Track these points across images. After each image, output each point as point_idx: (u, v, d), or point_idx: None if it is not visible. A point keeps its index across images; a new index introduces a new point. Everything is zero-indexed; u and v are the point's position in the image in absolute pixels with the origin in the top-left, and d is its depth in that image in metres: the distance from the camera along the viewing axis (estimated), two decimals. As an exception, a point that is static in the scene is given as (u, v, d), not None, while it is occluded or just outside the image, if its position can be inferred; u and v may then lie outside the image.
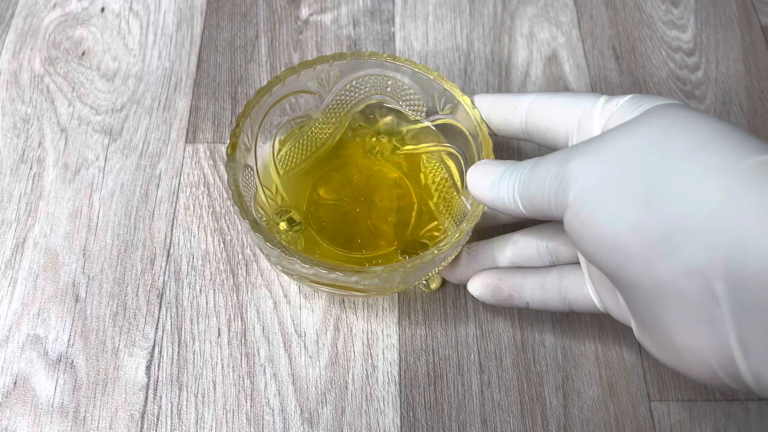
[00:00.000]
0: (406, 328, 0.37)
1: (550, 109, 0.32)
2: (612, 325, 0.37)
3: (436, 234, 0.36)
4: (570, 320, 0.37)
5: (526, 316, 0.38)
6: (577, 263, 0.33)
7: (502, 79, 0.45)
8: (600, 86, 0.45)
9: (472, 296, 0.35)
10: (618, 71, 0.46)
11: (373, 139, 0.38)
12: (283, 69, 0.45)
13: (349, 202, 0.37)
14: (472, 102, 0.34)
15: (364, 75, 0.37)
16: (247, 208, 0.31)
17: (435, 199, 0.37)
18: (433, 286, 0.37)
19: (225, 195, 0.41)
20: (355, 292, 0.32)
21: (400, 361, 0.36)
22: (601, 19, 0.48)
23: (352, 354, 0.36)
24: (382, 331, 0.37)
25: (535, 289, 0.33)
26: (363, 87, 0.37)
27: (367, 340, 0.37)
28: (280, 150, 0.37)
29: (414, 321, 0.37)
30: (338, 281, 0.31)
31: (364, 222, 0.37)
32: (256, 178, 0.35)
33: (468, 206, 0.35)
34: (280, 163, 0.37)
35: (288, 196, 0.37)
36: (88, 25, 0.47)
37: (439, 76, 0.35)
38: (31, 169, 0.41)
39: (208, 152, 0.42)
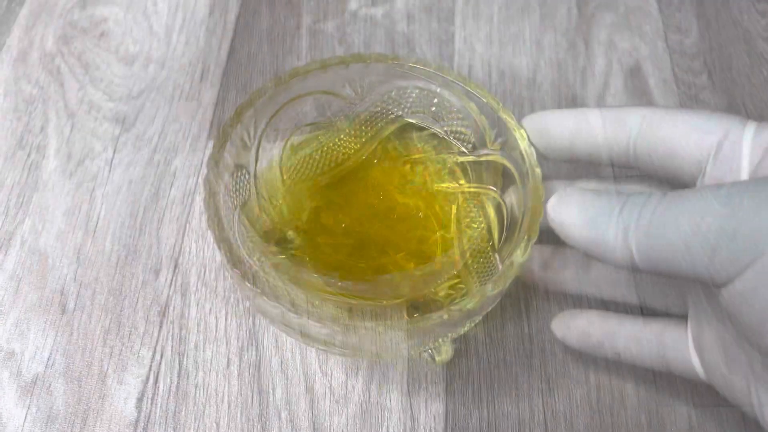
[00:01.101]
0: (456, 376, 0.30)
1: (674, 128, 0.24)
2: (708, 388, 0.30)
3: (453, 293, 0.29)
4: (657, 377, 0.30)
5: (604, 369, 0.31)
6: (683, 318, 0.27)
7: (576, 90, 0.39)
8: (691, 104, 0.39)
9: (537, 340, 0.28)
10: (711, 89, 0.40)
11: (407, 166, 0.32)
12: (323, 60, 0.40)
13: (360, 235, 0.30)
14: (529, 139, 0.27)
15: (406, 87, 0.30)
16: (222, 227, 0.25)
17: (464, 252, 0.30)
18: (439, 358, 0.29)
19: (248, 200, 0.35)
20: (333, 348, 0.25)
21: (446, 416, 0.29)
22: (690, 30, 0.42)
23: (388, 402, 0.30)
24: (426, 377, 0.30)
25: (630, 340, 0.27)
26: (403, 101, 0.31)
27: (407, 386, 0.30)
28: (291, 156, 0.31)
29: (466, 367, 0.31)
30: (308, 331, 0.24)
31: (372, 263, 0.29)
32: (252, 184, 0.29)
33: (500, 267, 0.28)
34: (288, 172, 0.31)
35: (289, 213, 0.30)
36: (111, 3, 0.42)
37: (495, 100, 0.28)
38: (28, 156, 0.36)
39: (232, 150, 0.36)
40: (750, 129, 0.23)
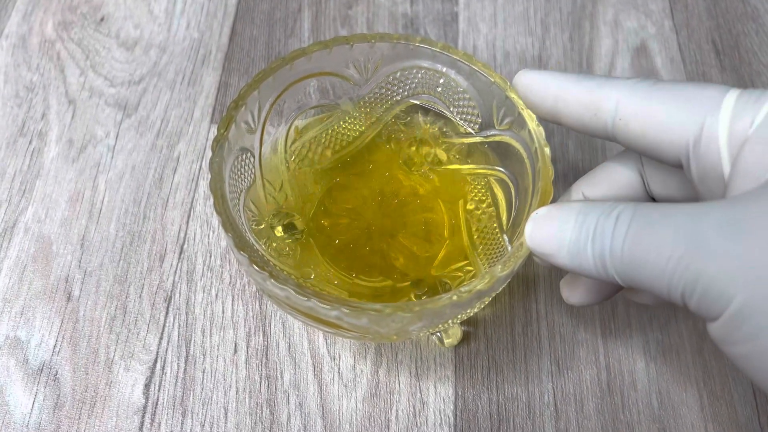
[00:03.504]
0: (464, 358, 0.30)
1: (650, 115, 0.23)
2: (720, 368, 0.30)
3: (461, 275, 0.29)
4: (668, 358, 0.30)
5: (613, 350, 0.30)
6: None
7: (582, 70, 0.39)
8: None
9: (547, 321, 0.28)
10: (719, 68, 0.39)
11: (412, 148, 0.31)
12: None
13: (367, 217, 0.30)
14: (538, 119, 0.26)
15: (412, 67, 0.30)
16: (228, 212, 0.24)
17: (471, 233, 0.29)
18: (448, 341, 0.29)
19: (253, 184, 0.34)
20: (341, 331, 0.25)
21: (455, 398, 0.29)
22: (697, 9, 0.42)
23: (397, 385, 0.29)
24: (435, 360, 0.30)
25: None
26: (409, 82, 0.30)
27: (416, 368, 0.30)
28: (295, 140, 0.30)
29: (474, 349, 0.30)
30: (316, 313, 0.23)
31: (379, 245, 0.29)
32: (257, 167, 0.28)
33: (509, 248, 0.27)
34: (293, 156, 0.30)
35: (294, 196, 0.30)
36: (110, -12, 0.41)
37: (503, 80, 0.27)
38: (30, 143, 0.35)
39: (235, 135, 0.36)
40: (726, 110, 0.21)
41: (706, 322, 0.20)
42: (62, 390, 0.29)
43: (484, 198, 0.30)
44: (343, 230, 0.29)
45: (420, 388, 0.29)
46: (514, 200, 0.28)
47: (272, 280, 0.23)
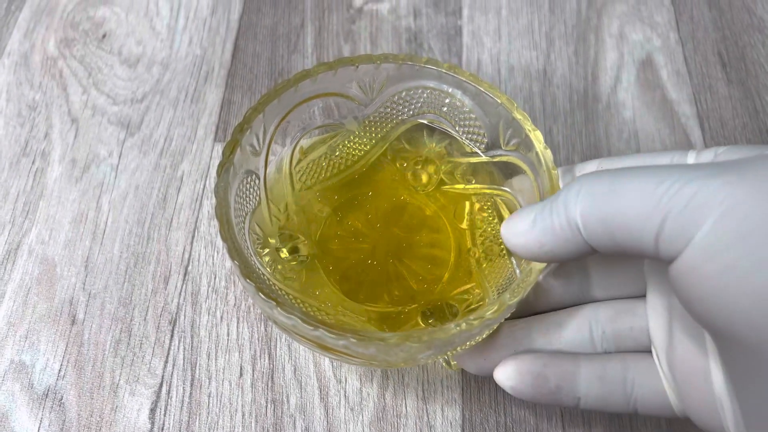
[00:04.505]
0: (472, 380, 0.30)
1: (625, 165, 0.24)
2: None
3: (468, 297, 0.28)
4: (632, 424, 0.30)
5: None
6: (647, 352, 0.25)
7: (588, 84, 0.38)
8: (705, 96, 0.38)
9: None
10: (725, 81, 0.39)
11: (417, 167, 0.31)
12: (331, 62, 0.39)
13: (373, 239, 0.29)
14: (545, 140, 0.27)
15: (417, 87, 0.30)
16: (234, 238, 0.24)
17: (478, 255, 0.29)
18: (455, 363, 0.29)
19: (257, 204, 0.34)
20: (349, 358, 0.25)
21: (463, 422, 0.29)
22: (703, 21, 0.41)
23: (404, 409, 0.29)
24: (442, 382, 0.30)
25: (592, 381, 0.25)
26: (414, 102, 0.30)
27: (423, 392, 0.30)
28: (300, 160, 0.30)
29: (481, 371, 0.30)
30: (324, 342, 0.23)
31: (385, 267, 0.29)
32: (262, 189, 0.28)
33: (518, 272, 0.27)
34: (298, 176, 0.30)
35: (298, 217, 0.29)
36: (112, 4, 0.41)
37: (509, 101, 0.27)
38: (33, 163, 0.35)
39: (239, 153, 0.36)
40: (692, 155, 0.23)
41: (669, 265, 0.19)
42: (67, 415, 0.29)
43: (490, 218, 0.30)
44: (349, 252, 0.29)
45: (427, 411, 0.29)
46: None
47: (279, 309, 0.22)
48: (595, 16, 0.41)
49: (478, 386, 0.30)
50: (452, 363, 0.29)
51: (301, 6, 0.41)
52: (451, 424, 0.29)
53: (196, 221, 0.34)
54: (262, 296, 0.23)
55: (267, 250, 0.28)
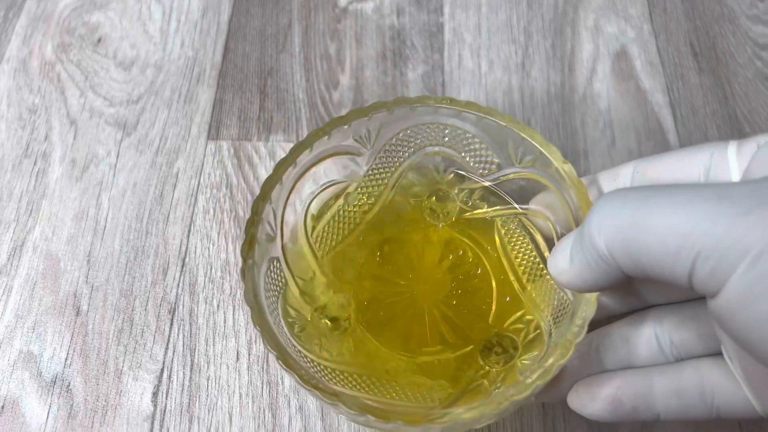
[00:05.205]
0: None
1: (663, 166, 0.24)
2: None
3: (522, 326, 0.27)
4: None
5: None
6: (717, 354, 0.24)
7: (565, 76, 0.40)
8: (677, 86, 0.40)
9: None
10: (697, 70, 0.41)
11: (432, 199, 0.30)
12: (317, 61, 0.41)
13: (409, 287, 0.29)
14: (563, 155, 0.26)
15: (414, 125, 0.29)
16: (270, 331, 0.24)
17: (519, 279, 0.28)
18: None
19: (250, 198, 0.36)
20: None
21: None
22: (675, 12, 0.43)
23: (392, 387, 0.31)
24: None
25: (669, 397, 0.24)
26: (413, 139, 0.29)
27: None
28: (314, 226, 0.29)
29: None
30: (374, 426, 0.23)
31: (429, 311, 0.28)
32: (285, 271, 0.27)
33: (568, 292, 0.26)
34: (317, 244, 0.29)
35: (331, 285, 0.29)
36: (106, 9, 0.43)
37: (513, 121, 0.27)
38: (35, 164, 0.37)
39: (232, 150, 0.37)
40: (732, 146, 0.23)
41: (708, 300, 0.19)
42: (75, 400, 0.31)
43: (521, 238, 0.29)
44: (390, 308, 0.28)
45: (414, 388, 0.31)
46: (555, 232, 0.27)
47: (319, 392, 0.22)
48: (572, 10, 0.43)
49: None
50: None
51: (288, 7, 0.43)
52: None
53: (192, 215, 0.35)
54: (305, 385, 0.22)
55: (305, 330, 0.27)
